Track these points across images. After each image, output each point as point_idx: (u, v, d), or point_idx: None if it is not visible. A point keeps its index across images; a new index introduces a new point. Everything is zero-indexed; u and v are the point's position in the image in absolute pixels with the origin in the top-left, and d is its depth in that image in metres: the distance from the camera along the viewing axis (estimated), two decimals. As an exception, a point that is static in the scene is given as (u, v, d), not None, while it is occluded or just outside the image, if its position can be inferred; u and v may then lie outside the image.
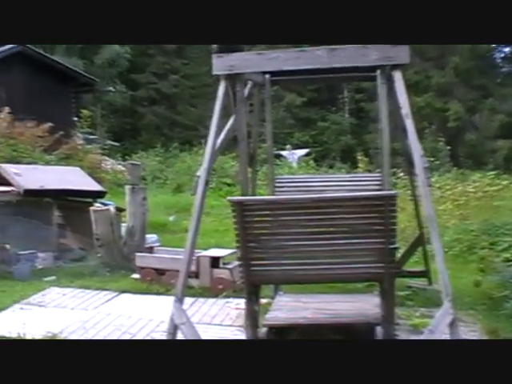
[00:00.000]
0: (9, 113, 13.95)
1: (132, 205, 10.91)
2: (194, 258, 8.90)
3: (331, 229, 5.73)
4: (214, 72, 6.20)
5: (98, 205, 10.77)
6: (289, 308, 7.02)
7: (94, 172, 15.22)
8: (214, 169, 19.78)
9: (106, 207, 10.66)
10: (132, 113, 43.11)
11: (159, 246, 11.29)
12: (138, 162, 13.10)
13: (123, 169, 27.75)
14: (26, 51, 25.67)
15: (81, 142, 28.17)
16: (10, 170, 10.66)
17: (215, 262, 9.11)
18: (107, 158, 29.01)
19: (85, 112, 28.36)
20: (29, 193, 10.24)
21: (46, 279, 9.84)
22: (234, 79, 6.34)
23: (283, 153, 25.47)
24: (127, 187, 11.00)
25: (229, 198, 5.71)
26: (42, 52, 29.25)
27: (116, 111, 42.26)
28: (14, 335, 6.82)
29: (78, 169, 12.27)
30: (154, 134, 39.78)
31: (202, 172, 6.12)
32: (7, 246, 10.36)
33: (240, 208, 5.56)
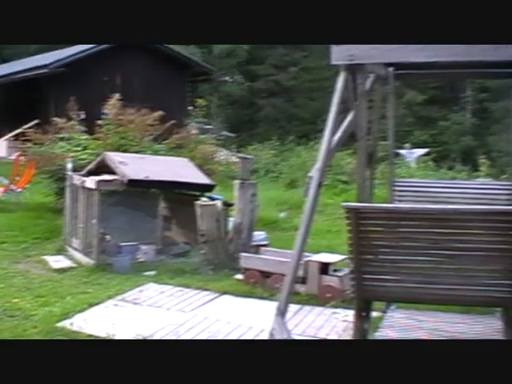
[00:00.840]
0: (119, 99, 13.75)
1: (240, 200, 10.46)
2: (303, 262, 8.44)
3: (459, 245, 5.04)
4: (333, 62, 5.57)
5: (204, 199, 10.36)
6: (401, 326, 6.39)
7: (205, 163, 14.91)
8: (330, 165, 19.23)
9: (213, 202, 10.24)
10: (250, 104, 43.21)
11: (267, 244, 10.84)
12: (249, 156, 12.65)
13: (237, 160, 27.64)
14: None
15: (195, 131, 28.32)
16: (116, 158, 10.41)
17: (325, 267, 8.49)
18: (221, 149, 29.02)
19: (200, 101, 28.41)
20: (133, 183, 9.94)
21: (145, 274, 9.51)
22: (354, 71, 5.71)
23: (401, 151, 24.65)
24: (236, 182, 10.57)
25: (343, 203, 5.11)
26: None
27: (233, 102, 42.42)
28: (102, 334, 6.50)
29: (186, 160, 11.91)
30: (271, 126, 39.57)
31: (314, 172, 5.54)
32: (107, 237, 10.14)
33: (355, 215, 4.96)
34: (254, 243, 10.58)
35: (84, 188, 10.34)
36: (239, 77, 41.34)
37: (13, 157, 15.63)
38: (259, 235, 11.10)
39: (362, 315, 5.45)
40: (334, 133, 5.66)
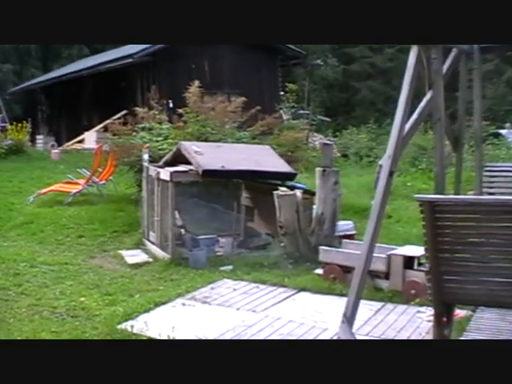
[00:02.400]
0: (199, 86, 13.43)
1: (322, 189, 9.96)
2: (385, 256, 7.91)
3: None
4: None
5: (283, 189, 9.89)
6: (491, 329, 5.84)
7: (296, 149, 14.48)
8: (424, 148, 18.45)
9: (292, 192, 9.77)
10: (345, 87, 42.61)
11: (354, 234, 10.32)
12: (331, 142, 12.19)
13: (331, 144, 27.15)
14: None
15: (286, 117, 27.93)
16: (191, 148, 10.08)
17: (409, 261, 7.89)
18: (316, 134, 28.53)
19: (291, 86, 27.98)
20: (208, 173, 9.58)
21: (221, 268, 9.16)
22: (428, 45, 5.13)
23: (502, 131, 23.54)
24: (317, 169, 10.07)
25: (416, 195, 4.58)
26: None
27: (328, 86, 41.87)
28: (163, 337, 6.16)
29: (267, 147, 11.47)
30: (369, 109, 38.85)
31: (384, 160, 5.00)
32: (183, 230, 9.86)
33: (431, 209, 4.42)
34: (340, 233, 10.09)
35: (159, 179, 10.10)
36: (333, 60, 40.65)
37: (94, 148, 15.62)
38: (346, 225, 10.58)
39: (441, 322, 4.90)
40: (406, 116, 5.11)
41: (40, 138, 28.41)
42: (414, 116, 5.37)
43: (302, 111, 29.93)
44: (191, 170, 9.74)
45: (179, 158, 10.34)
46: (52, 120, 32.50)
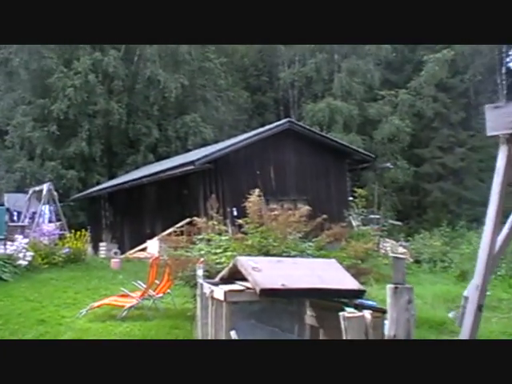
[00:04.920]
0: (258, 195, 12.84)
1: (394, 308, 8.96)
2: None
3: None
4: (489, 133, 4.21)
5: (349, 309, 9.00)
6: None
7: (366, 257, 13.76)
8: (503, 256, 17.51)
9: (360, 313, 8.86)
10: (416, 189, 42.29)
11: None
12: (403, 256, 11.30)
13: (404, 250, 26.22)
14: (294, 127, 25.50)
15: (356, 223, 27.21)
16: (248, 263, 9.32)
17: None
18: (387, 240, 27.64)
19: (360, 191, 27.41)
20: (266, 293, 8.76)
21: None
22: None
23: None
24: (389, 287, 9.15)
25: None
26: (312, 129, 29.06)
27: (399, 188, 41.42)
28: None
29: (332, 261, 10.65)
30: (441, 211, 38.43)
31: (471, 291, 4.14)
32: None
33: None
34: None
35: (213, 298, 9.36)
36: (403, 162, 40.18)
37: (150, 259, 15.11)
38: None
39: None
40: (496, 233, 4.27)
41: (103, 246, 28.43)
42: (506, 230, 4.51)
43: (372, 216, 29.33)
44: (248, 288, 8.96)
45: (236, 274, 9.62)
46: (115, 227, 32.57)
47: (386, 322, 9.15)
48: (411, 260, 23.07)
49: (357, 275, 10.42)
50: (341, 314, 8.75)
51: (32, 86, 39.18)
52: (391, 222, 32.75)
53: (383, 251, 24.31)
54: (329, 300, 9.73)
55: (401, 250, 25.73)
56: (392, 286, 9.15)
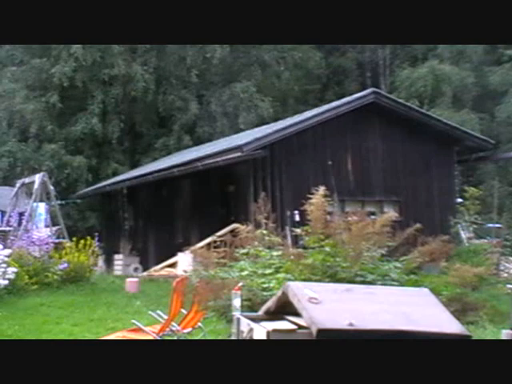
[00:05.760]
0: (324, 195, 12.60)
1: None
2: None
3: None
4: None
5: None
6: None
7: (478, 285, 13.72)
8: None
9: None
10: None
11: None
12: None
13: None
14: (383, 101, 25.28)
15: (467, 234, 26.83)
16: (303, 292, 9.11)
17: None
18: (510, 259, 27.22)
19: (473, 191, 26.99)
20: (325, 334, 8.53)
21: None
22: None
23: None
24: (504, 333, 8.97)
25: None
26: (408, 104, 28.69)
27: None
28: None
29: (425, 291, 10.31)
30: None
31: None
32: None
33: None
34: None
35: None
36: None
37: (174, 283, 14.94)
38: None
39: None
40: None
41: (119, 259, 28.52)
42: None
43: (490, 225, 28.97)
44: (301, 327, 8.78)
45: (287, 306, 9.45)
46: (137, 234, 32.83)
47: None
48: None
49: (462, 312, 10.28)
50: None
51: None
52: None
53: (505, 275, 23.89)
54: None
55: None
56: (509, 331, 8.89)
